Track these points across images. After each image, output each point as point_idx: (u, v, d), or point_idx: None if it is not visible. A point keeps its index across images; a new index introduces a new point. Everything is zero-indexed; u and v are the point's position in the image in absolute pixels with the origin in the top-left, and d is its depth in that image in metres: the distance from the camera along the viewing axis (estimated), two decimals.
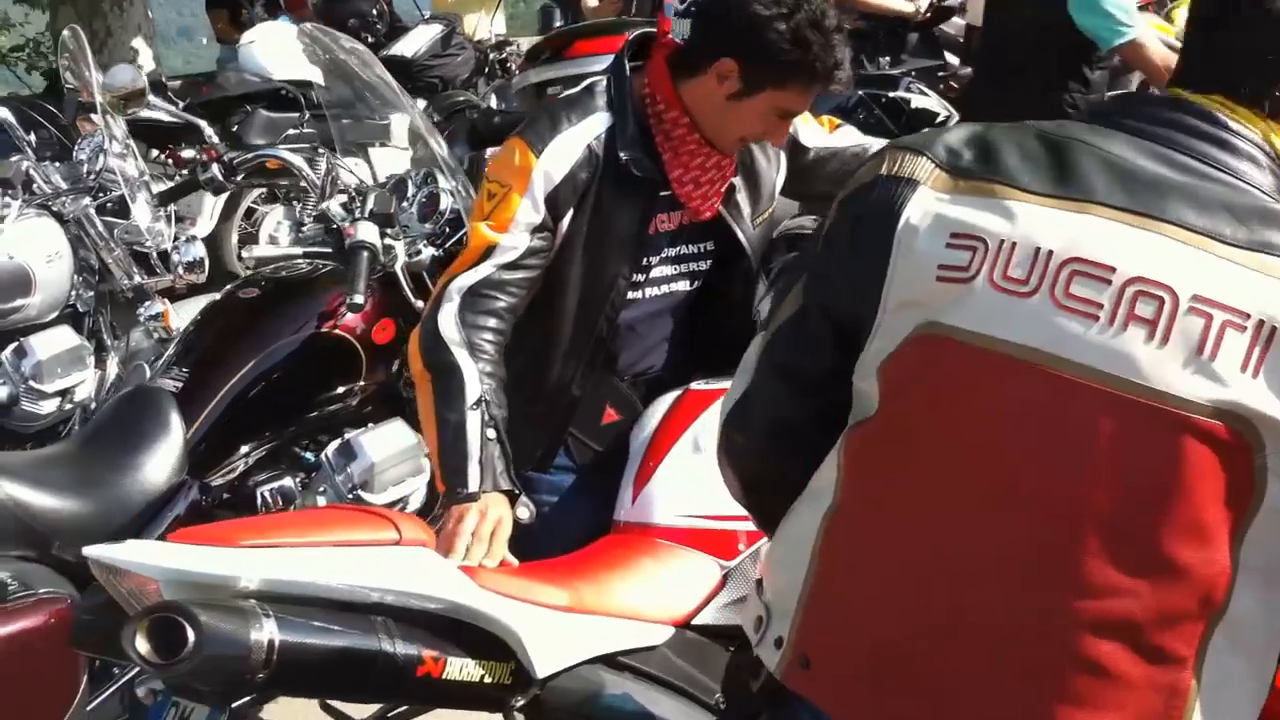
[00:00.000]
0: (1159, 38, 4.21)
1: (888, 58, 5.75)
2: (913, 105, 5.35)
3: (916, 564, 1.36)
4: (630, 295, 2.41)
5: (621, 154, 2.31)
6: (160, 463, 2.70)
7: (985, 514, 1.32)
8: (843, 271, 1.44)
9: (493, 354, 2.28)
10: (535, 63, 4.64)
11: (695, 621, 2.17)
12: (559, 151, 2.30)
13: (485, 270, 2.29)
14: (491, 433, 2.20)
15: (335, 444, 2.96)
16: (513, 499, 2.18)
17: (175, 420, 2.75)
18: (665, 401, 2.42)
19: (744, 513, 2.21)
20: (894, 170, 1.41)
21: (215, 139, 4.46)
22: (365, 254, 2.85)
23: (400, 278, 2.94)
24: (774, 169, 2.48)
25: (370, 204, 2.95)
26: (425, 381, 2.27)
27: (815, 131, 2.55)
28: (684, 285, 2.48)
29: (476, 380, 2.23)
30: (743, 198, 2.43)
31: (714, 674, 2.10)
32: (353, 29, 6.70)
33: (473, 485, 2.14)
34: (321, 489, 2.92)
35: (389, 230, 2.94)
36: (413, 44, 6.57)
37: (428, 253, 3.06)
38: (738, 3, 2.22)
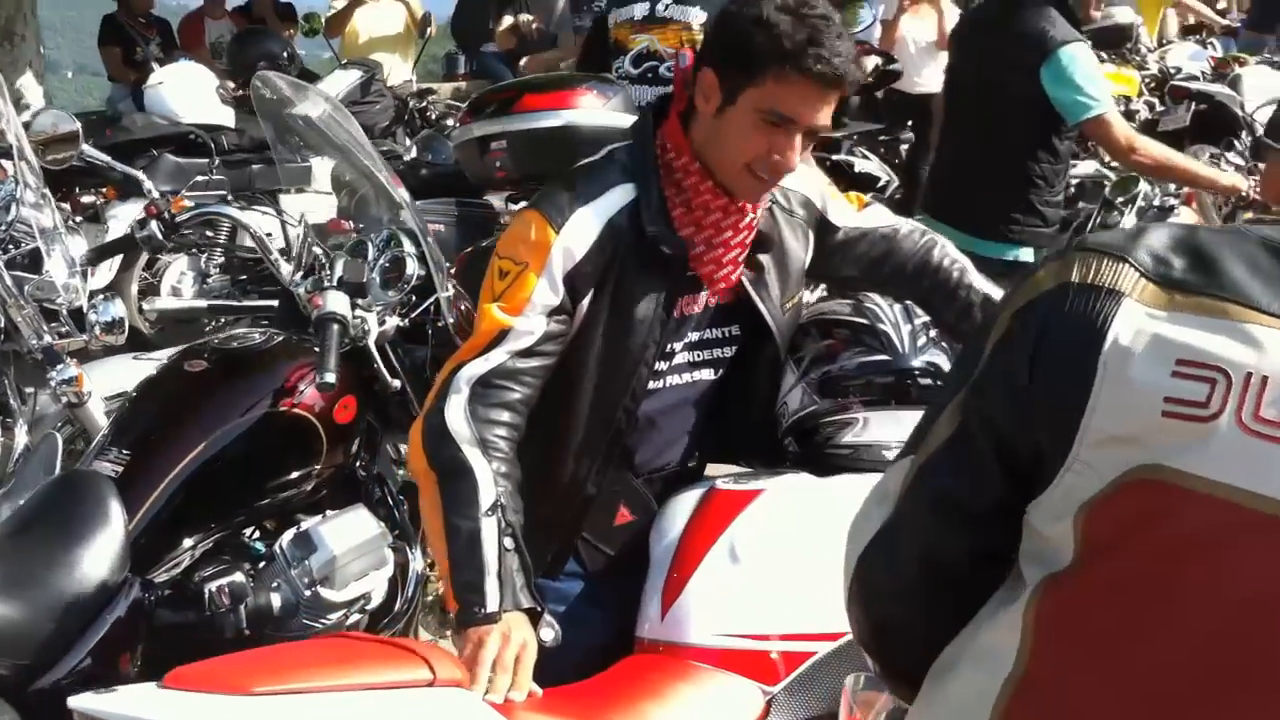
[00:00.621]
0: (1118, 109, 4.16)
1: None
2: (856, 169, 5.25)
3: None
4: (651, 385, 2.19)
5: (648, 229, 2.09)
6: (99, 558, 2.39)
7: (1237, 705, 1.11)
8: (1021, 393, 1.22)
9: (507, 452, 2.04)
10: (479, 116, 4.37)
11: None
12: (580, 226, 2.08)
13: (497, 358, 2.05)
14: (509, 542, 1.96)
15: (290, 534, 2.67)
16: (535, 617, 1.94)
17: (116, 510, 2.44)
18: (686, 501, 2.19)
19: (787, 631, 2.02)
20: (1089, 278, 1.19)
21: (156, 193, 4.11)
22: (336, 327, 2.58)
23: (373, 353, 2.66)
24: (804, 249, 2.28)
25: (339, 270, 2.68)
26: (431, 483, 2.02)
27: (844, 209, 2.36)
28: (708, 374, 2.26)
29: (491, 482, 1.98)
30: (772, 278, 2.22)
31: None
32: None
33: (491, 604, 1.90)
34: (275, 584, 2.63)
35: (360, 301, 2.67)
36: (330, 90, 6.26)
37: (392, 323, 2.79)
38: (720, 13, 2.07)
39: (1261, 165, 5.07)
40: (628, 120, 4.57)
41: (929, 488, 1.31)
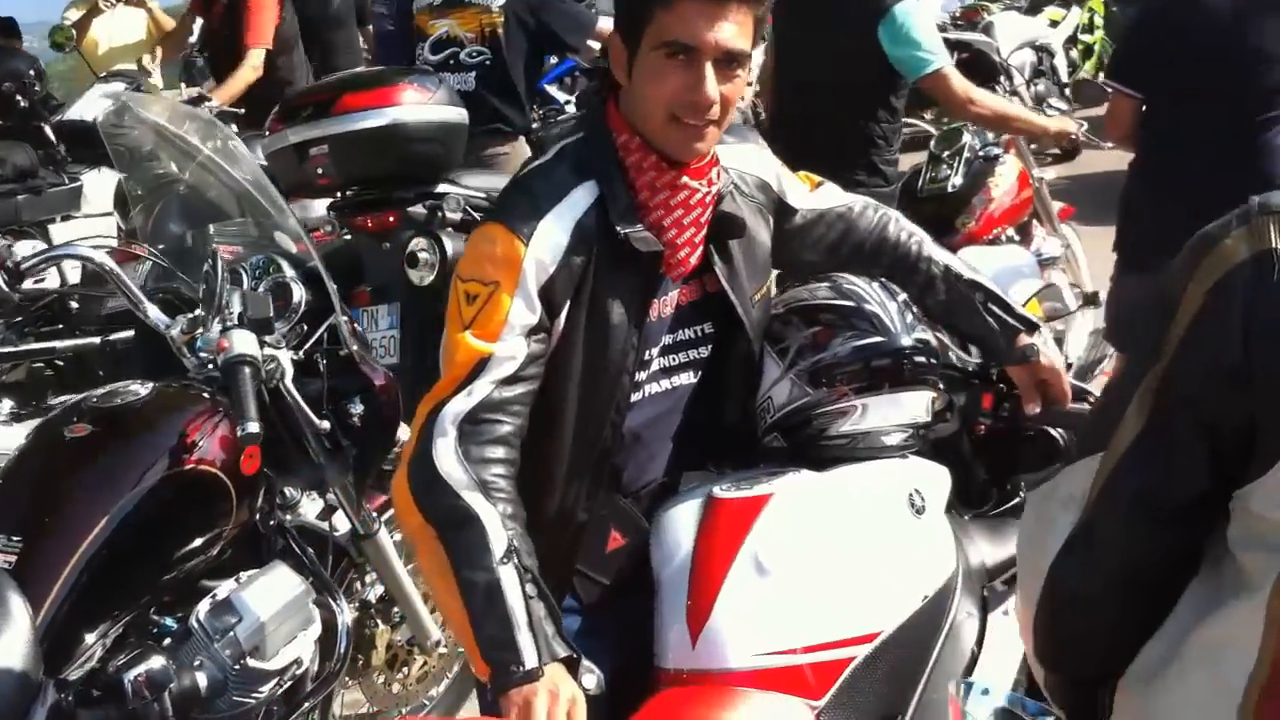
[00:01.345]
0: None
1: None
2: None
3: None
4: (632, 396, 2.03)
5: (620, 229, 1.93)
6: (8, 663, 2.09)
7: None
8: (1233, 370, 1.15)
9: (509, 491, 1.86)
10: (294, 121, 4.08)
11: None
12: (549, 234, 1.91)
13: (482, 390, 1.86)
14: (531, 589, 1.80)
15: (206, 605, 2.41)
16: (573, 665, 1.77)
17: (19, 607, 2.14)
18: (685, 515, 2.05)
19: (824, 640, 1.92)
20: None
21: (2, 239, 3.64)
22: (248, 370, 2.31)
23: (293, 396, 2.41)
24: (767, 235, 2.16)
25: (237, 305, 2.40)
26: (431, 538, 1.83)
27: (799, 190, 2.24)
28: (687, 378, 2.11)
29: (500, 526, 1.81)
30: (742, 269, 2.09)
31: None
32: (6, 92, 5.82)
33: (529, 660, 1.73)
34: (197, 662, 2.37)
35: (268, 338, 2.40)
36: (92, 106, 5.76)
37: (286, 357, 2.53)
38: None
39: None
40: (456, 113, 4.41)
41: (1126, 488, 1.24)
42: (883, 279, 2.22)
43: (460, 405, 1.86)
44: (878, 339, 2.12)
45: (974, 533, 2.20)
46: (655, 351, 2.06)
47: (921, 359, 2.14)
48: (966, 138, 4.52)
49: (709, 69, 1.87)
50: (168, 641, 2.38)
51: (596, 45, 5.34)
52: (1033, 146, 4.90)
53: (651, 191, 1.97)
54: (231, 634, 2.37)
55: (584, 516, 2.04)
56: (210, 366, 2.50)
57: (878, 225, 2.28)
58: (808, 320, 2.16)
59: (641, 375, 2.04)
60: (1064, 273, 4.61)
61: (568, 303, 1.93)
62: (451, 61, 5.03)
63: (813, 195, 2.26)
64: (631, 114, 1.96)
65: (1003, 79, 5.19)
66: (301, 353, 2.61)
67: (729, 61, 1.88)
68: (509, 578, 1.78)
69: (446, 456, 1.84)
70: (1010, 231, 4.52)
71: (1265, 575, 1.15)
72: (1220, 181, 3.52)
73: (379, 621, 3.03)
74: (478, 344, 1.87)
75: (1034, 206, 4.64)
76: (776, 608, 1.92)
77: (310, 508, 2.95)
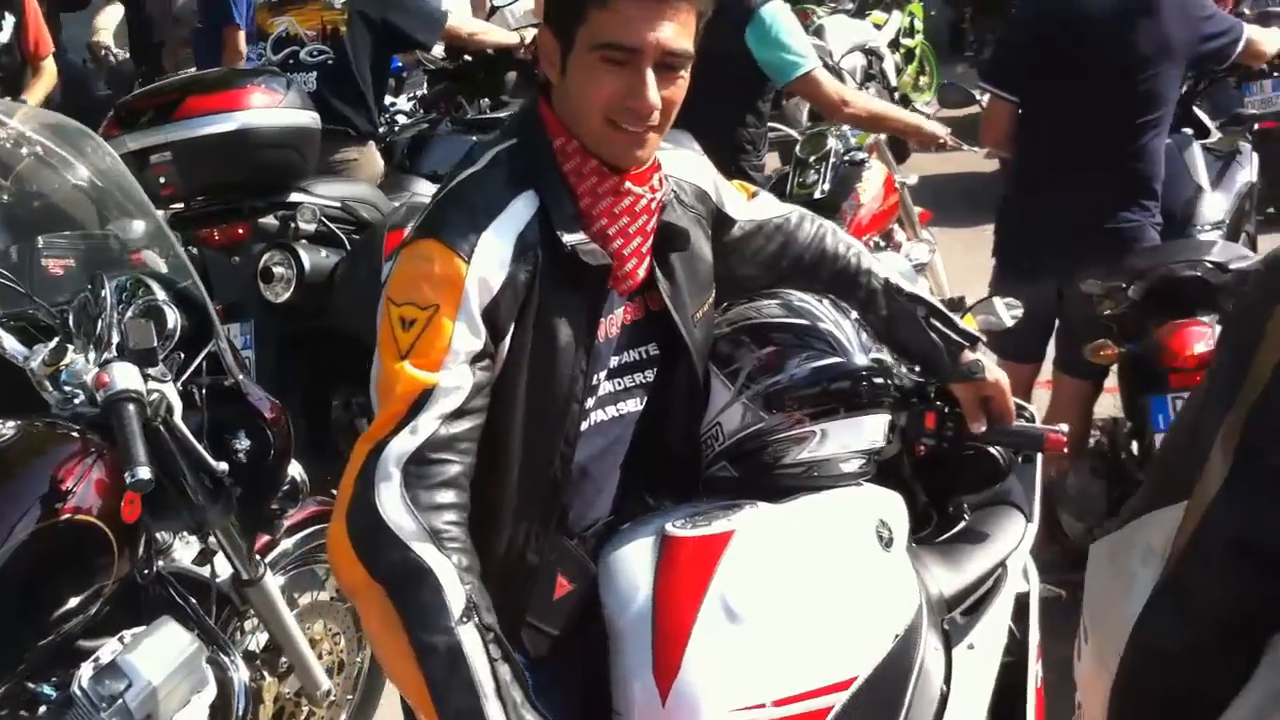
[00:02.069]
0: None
1: (487, 99, 5.34)
2: None
3: None
4: (580, 425, 1.88)
5: (566, 241, 1.77)
6: None
7: None
8: None
9: (463, 540, 1.70)
10: (132, 126, 3.79)
11: None
12: (492, 250, 1.74)
13: (427, 427, 1.68)
14: (496, 650, 1.64)
15: (89, 669, 2.17)
16: None
17: None
18: (638, 557, 1.90)
19: (801, 690, 1.80)
20: None
21: None
22: (132, 407, 2.08)
23: (184, 434, 2.17)
24: (708, 247, 2.02)
25: (115, 336, 2.15)
26: (378, 597, 1.65)
27: (737, 200, 2.12)
28: (633, 405, 1.97)
29: (456, 581, 1.65)
30: (684, 285, 1.95)
31: None
32: None
33: None
34: None
35: (151, 371, 2.16)
36: None
37: (171, 391, 2.29)
38: None
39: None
40: (307, 117, 4.16)
41: (1220, 533, 1.17)
42: (831, 296, 2.12)
43: (404, 445, 1.67)
44: (835, 360, 2.01)
45: (928, 561, 2.11)
46: (603, 375, 1.91)
47: (880, 380, 2.04)
48: (832, 142, 4.48)
49: (650, 73, 1.73)
50: (43, 710, 2.14)
51: (440, 48, 5.14)
52: None
53: (594, 199, 1.82)
54: (120, 701, 2.15)
55: (535, 560, 1.88)
56: (77, 402, 2.26)
57: (816, 237, 2.17)
58: (759, 340, 2.03)
59: (590, 402, 1.89)
60: (928, 278, 4.61)
61: (512, 325, 1.76)
62: (291, 61, 4.77)
63: (750, 205, 2.14)
64: (566, 115, 1.81)
65: None
66: (181, 385, 2.37)
67: (671, 63, 1.74)
68: (471, 640, 1.61)
69: (392, 503, 1.65)
70: (877, 238, 4.50)
71: None
72: (1100, 185, 3.57)
73: (265, 673, 2.81)
74: (419, 374, 1.69)
75: (899, 212, 4.63)
76: (750, 657, 1.79)
77: (184, 551, 2.69)
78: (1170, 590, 1.22)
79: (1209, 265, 3.00)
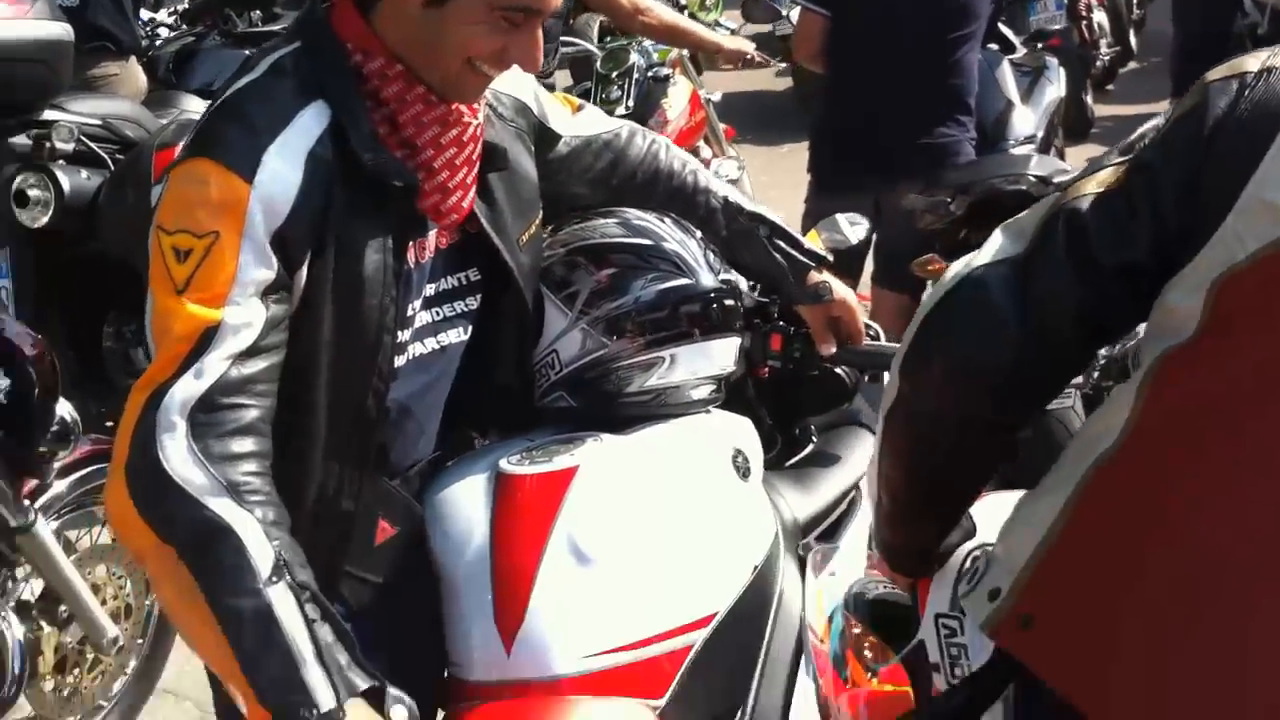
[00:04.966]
0: None
1: (259, 11, 4.97)
2: None
3: (1215, 546, 1.16)
4: (396, 360, 1.67)
5: (365, 158, 1.55)
6: None
7: None
8: (1186, 160, 1.21)
9: (267, 491, 1.48)
10: None
11: None
12: (277, 168, 1.50)
13: (214, 369, 1.45)
14: (313, 609, 1.44)
15: None
16: (377, 696, 1.44)
17: None
18: (470, 497, 1.73)
19: (659, 630, 1.67)
20: None
21: None
22: None
23: None
24: (531, 165, 1.83)
25: None
26: (170, 561, 1.43)
27: (561, 114, 1.93)
28: (455, 335, 1.77)
29: (262, 537, 1.43)
30: (504, 205, 1.75)
31: None
32: None
33: (325, 701, 1.38)
34: None
35: None
36: None
37: None
38: None
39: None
40: (59, 29, 3.75)
41: (1070, 230, 1.28)
42: (673, 215, 1.94)
43: (188, 390, 1.44)
44: (683, 281, 1.84)
45: (780, 486, 1.98)
46: (418, 305, 1.70)
47: (730, 301, 1.88)
48: (634, 57, 4.31)
49: (540, 32, 1.62)
50: None
51: None
52: None
53: (418, 129, 1.61)
54: None
55: (350, 505, 1.66)
56: None
57: (649, 153, 2.01)
58: (597, 261, 1.84)
59: (405, 334, 1.68)
60: None
61: (308, 252, 1.53)
62: None
63: (576, 120, 1.95)
64: (409, 44, 1.58)
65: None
66: None
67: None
68: (283, 601, 1.40)
69: (178, 456, 1.42)
70: None
71: (1148, 361, 1.22)
72: (915, 100, 3.50)
73: (43, 623, 2.57)
74: (200, 311, 1.45)
75: (706, 129, 4.50)
76: (602, 600, 1.62)
77: None
78: (1016, 265, 1.30)
79: (1032, 179, 2.95)
